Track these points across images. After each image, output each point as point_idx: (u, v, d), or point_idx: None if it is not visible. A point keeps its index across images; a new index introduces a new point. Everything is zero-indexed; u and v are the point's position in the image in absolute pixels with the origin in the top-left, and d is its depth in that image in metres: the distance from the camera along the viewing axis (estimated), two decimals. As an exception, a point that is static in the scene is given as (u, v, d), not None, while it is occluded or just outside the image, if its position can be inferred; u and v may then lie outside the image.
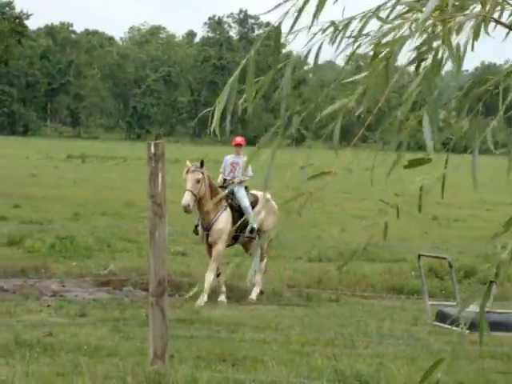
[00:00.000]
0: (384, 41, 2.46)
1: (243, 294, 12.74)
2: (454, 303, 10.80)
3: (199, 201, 12.51)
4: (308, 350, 8.64)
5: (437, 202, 19.71)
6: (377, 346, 9.19)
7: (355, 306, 12.61)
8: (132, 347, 8.39)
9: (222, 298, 12.31)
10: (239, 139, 13.44)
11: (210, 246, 12.79)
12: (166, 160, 7.56)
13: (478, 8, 2.48)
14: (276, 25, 2.50)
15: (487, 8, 2.38)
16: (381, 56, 2.43)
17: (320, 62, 2.58)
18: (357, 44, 2.48)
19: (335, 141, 2.46)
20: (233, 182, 13.10)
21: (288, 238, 13.84)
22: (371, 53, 2.51)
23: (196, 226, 13.08)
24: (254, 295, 12.55)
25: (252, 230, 12.85)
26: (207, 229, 12.66)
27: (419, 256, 11.74)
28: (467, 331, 6.48)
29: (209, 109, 2.57)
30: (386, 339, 9.46)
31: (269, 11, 2.50)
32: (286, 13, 2.47)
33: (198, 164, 12.74)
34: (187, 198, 12.26)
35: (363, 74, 2.48)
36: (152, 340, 7.50)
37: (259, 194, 13.00)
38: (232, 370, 7.68)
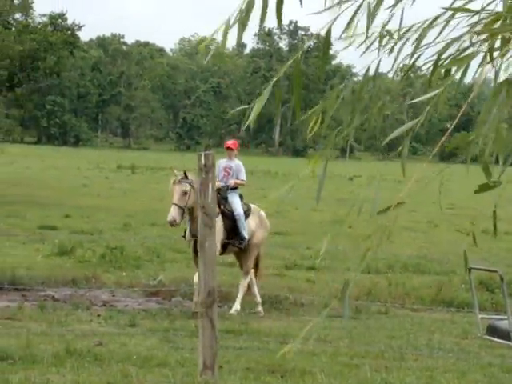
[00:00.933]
0: (446, 54, 2.46)
1: (292, 305, 12.82)
2: (505, 317, 10.63)
3: (189, 209, 11.88)
4: (357, 363, 8.70)
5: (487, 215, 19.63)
6: (426, 359, 9.18)
7: (404, 318, 12.54)
8: (181, 358, 8.46)
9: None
10: (230, 142, 13.03)
11: (197, 255, 11.51)
12: (214, 169, 7.87)
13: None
14: (325, 33, 2.51)
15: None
16: (453, 73, 2.44)
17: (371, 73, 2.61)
18: (415, 56, 2.48)
19: (403, 163, 2.47)
20: (231, 188, 12.46)
21: (338, 249, 13.72)
22: (428, 65, 2.51)
23: (185, 231, 12.41)
24: (236, 307, 11.92)
25: (242, 240, 12.37)
26: (196, 236, 11.27)
27: (470, 269, 11.54)
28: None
29: (245, 106, 2.72)
30: (435, 352, 9.42)
31: (317, 12, 2.51)
32: (335, 19, 2.45)
33: (190, 174, 11.87)
34: (173, 214, 11.80)
35: (433, 93, 2.45)
36: (201, 350, 7.60)
37: (252, 205, 12.64)
38: (281, 381, 7.80)
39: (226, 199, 12.36)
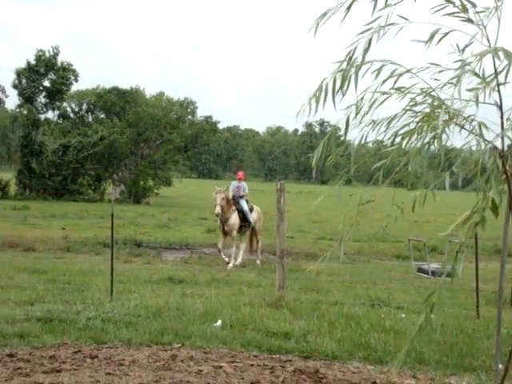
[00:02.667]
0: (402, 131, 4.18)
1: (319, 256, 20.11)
2: (425, 263, 18.43)
3: (222, 208, 18.96)
4: (354, 286, 15.18)
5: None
6: (387, 283, 15.80)
7: (376, 264, 20.74)
8: (268, 282, 14.44)
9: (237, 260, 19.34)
10: (241, 174, 20.61)
11: (225, 233, 19.46)
12: (284, 191, 12.84)
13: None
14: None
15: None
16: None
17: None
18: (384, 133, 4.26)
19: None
20: (240, 197, 19.71)
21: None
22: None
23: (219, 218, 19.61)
24: (231, 264, 18.85)
25: (249, 223, 19.76)
26: (224, 222, 19.34)
27: (409, 240, 20.25)
28: (432, 277, 13.86)
29: (310, 154, 4.28)
30: (392, 280, 16.12)
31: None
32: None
33: (223, 188, 19.25)
34: (218, 210, 18.86)
35: (382, 162, 4.21)
36: (277, 279, 12.36)
37: (255, 206, 20.14)
38: (316, 294, 12.96)
39: (238, 203, 19.62)
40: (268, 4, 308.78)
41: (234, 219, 19.52)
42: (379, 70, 4.27)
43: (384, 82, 4.32)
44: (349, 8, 4.24)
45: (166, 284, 14.15)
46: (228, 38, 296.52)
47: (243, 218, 19.69)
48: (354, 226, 4.52)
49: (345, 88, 4.16)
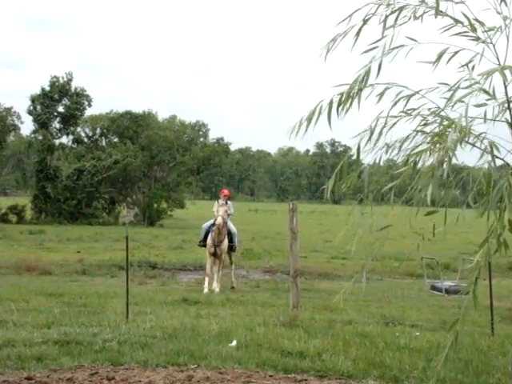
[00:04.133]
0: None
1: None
2: (439, 281, 18.13)
3: (218, 226, 17.62)
4: (368, 304, 15.14)
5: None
6: (400, 301, 15.79)
7: (389, 282, 20.61)
8: (282, 302, 14.57)
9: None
10: (226, 191, 18.80)
11: (215, 255, 17.87)
12: (297, 210, 13.26)
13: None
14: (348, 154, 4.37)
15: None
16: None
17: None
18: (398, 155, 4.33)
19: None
20: (228, 215, 18.23)
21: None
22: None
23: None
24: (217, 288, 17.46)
25: (234, 246, 18.70)
26: (218, 244, 17.88)
27: (422, 258, 20.12)
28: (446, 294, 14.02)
29: (324, 186, 4.39)
30: (405, 298, 16.21)
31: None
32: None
33: (224, 201, 18.01)
34: (220, 220, 17.44)
35: (394, 182, 4.32)
36: (291, 298, 12.88)
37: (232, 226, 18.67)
38: (330, 313, 12.91)
39: (226, 223, 18.03)
40: (278, 23, 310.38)
41: (226, 242, 18.24)
42: (381, 94, 4.34)
43: (394, 104, 4.39)
44: (358, 33, 4.29)
45: (180, 305, 14.27)
46: (238, 58, 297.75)
47: (230, 239, 18.51)
48: (374, 251, 4.59)
49: (346, 108, 4.26)
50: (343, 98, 4.26)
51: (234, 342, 9.61)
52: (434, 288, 17.51)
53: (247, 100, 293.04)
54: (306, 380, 7.90)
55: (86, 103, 59.13)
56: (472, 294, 4.18)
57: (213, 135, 68.59)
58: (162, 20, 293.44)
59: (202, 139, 65.26)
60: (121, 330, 10.25)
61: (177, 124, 68.06)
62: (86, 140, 63.57)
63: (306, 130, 4.33)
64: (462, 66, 4.26)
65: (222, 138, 64.55)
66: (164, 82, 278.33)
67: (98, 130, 64.52)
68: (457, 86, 4.19)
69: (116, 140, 63.52)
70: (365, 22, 4.29)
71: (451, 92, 4.21)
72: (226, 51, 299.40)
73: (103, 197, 59.04)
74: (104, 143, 64.25)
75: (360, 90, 4.24)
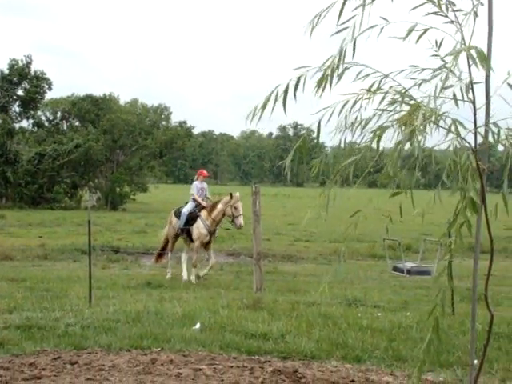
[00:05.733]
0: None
1: (298, 258, 20.32)
2: (401, 262, 18.46)
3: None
4: (343, 287, 15.20)
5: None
6: (363, 283, 16.03)
7: (354, 264, 20.64)
8: (246, 284, 14.67)
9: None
10: (205, 172, 16.98)
11: (207, 243, 16.32)
12: (260, 193, 13.24)
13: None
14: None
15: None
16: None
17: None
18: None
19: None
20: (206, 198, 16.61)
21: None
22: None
23: (181, 229, 16.49)
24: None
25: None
26: (213, 232, 16.41)
27: (384, 239, 20.54)
28: (407, 275, 14.29)
29: (281, 161, 4.32)
30: (368, 280, 16.43)
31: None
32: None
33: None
34: (242, 222, 15.86)
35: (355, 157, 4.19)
36: (255, 281, 12.84)
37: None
38: (294, 295, 13.12)
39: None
40: (243, 4, 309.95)
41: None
42: (341, 75, 4.31)
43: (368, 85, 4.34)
44: (341, 10, 4.21)
45: (144, 289, 14.29)
46: (199, 41, 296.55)
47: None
48: (348, 237, 4.57)
49: (321, 89, 4.20)
50: (320, 79, 4.22)
51: (198, 325, 9.64)
52: (395, 269, 17.72)
53: (210, 83, 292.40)
54: (269, 361, 7.95)
55: (46, 87, 58.34)
56: (447, 276, 4.26)
57: (175, 118, 68.52)
58: (122, 3, 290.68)
59: (164, 123, 65.10)
60: (84, 315, 10.24)
61: (139, 107, 67.78)
62: (46, 124, 62.93)
63: (260, 117, 4.26)
64: (432, 44, 4.25)
65: (184, 122, 64.38)
66: (126, 66, 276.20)
67: (59, 114, 63.85)
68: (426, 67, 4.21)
69: (77, 124, 62.95)
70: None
71: (418, 72, 4.24)
72: (188, 33, 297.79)
73: (65, 181, 58.46)
74: (65, 127, 63.61)
75: (333, 72, 4.22)
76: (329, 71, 4.25)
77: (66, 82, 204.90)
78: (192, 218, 16.51)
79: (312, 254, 21.72)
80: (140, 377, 7.10)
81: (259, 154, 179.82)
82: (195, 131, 78.36)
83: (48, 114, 63.81)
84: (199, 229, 16.31)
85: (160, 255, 17.75)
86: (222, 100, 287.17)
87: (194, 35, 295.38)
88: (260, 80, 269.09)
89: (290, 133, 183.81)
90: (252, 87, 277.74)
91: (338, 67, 4.25)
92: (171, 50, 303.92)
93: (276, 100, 4.23)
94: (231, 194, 16.03)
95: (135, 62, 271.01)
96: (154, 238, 27.54)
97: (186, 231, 16.69)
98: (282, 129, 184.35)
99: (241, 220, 15.82)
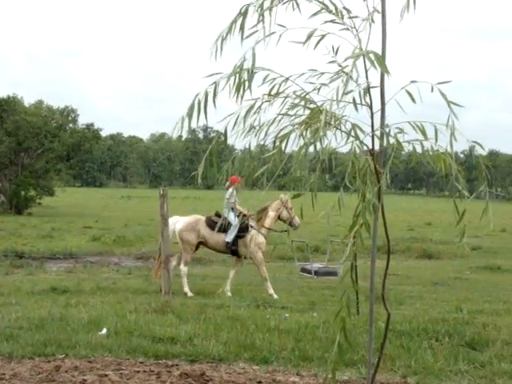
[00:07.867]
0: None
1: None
2: (308, 263, 18.16)
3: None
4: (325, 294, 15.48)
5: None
6: (273, 284, 15.37)
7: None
8: (154, 288, 14.41)
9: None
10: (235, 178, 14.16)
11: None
12: (168, 196, 12.68)
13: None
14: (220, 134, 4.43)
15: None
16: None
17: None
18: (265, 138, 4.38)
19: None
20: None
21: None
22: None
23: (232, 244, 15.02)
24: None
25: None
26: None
27: (292, 241, 20.47)
28: (315, 276, 14.32)
29: (194, 172, 4.41)
30: (278, 281, 16.25)
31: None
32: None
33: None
34: (298, 221, 14.99)
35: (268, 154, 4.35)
36: (163, 285, 12.38)
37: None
38: (203, 299, 13.29)
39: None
40: (155, 6, 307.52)
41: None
42: (249, 80, 4.37)
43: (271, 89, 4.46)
44: (242, 27, 4.28)
45: (49, 295, 13.98)
46: (107, 41, 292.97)
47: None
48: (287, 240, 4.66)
49: (240, 95, 4.30)
50: (238, 84, 4.31)
51: (104, 330, 9.51)
52: (303, 270, 17.88)
53: (117, 85, 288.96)
54: (177, 365, 7.91)
55: None
56: (350, 278, 4.45)
57: (83, 121, 67.22)
58: (28, 2, 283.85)
59: (71, 125, 63.68)
60: (-16, 322, 9.90)
61: (44, 109, 66.13)
62: None
63: (190, 126, 4.35)
64: (329, 49, 4.40)
65: (92, 124, 63.11)
66: (31, 68, 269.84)
67: (-40, 116, 61.72)
68: (325, 71, 4.34)
69: (-21, 126, 61.01)
70: (244, 14, 4.35)
71: (318, 77, 4.37)
72: (95, 34, 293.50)
73: (-33, 184, 56.57)
74: (-33, 129, 61.53)
75: (251, 77, 4.29)
76: (245, 76, 4.32)
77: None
78: (242, 230, 15.10)
79: (221, 256, 21.67)
80: (43, 385, 6.93)
81: (169, 156, 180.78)
82: (103, 133, 76.95)
83: None
84: (257, 239, 14.95)
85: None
86: (130, 102, 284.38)
87: (101, 35, 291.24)
88: (169, 83, 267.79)
89: (200, 135, 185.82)
90: (160, 90, 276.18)
91: (252, 72, 4.32)
92: (78, 50, 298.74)
93: (199, 109, 4.31)
94: (281, 198, 14.82)
95: (40, 63, 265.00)
96: (61, 242, 27.07)
97: (233, 244, 15.25)
98: (192, 131, 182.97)
99: (297, 219, 14.99)
